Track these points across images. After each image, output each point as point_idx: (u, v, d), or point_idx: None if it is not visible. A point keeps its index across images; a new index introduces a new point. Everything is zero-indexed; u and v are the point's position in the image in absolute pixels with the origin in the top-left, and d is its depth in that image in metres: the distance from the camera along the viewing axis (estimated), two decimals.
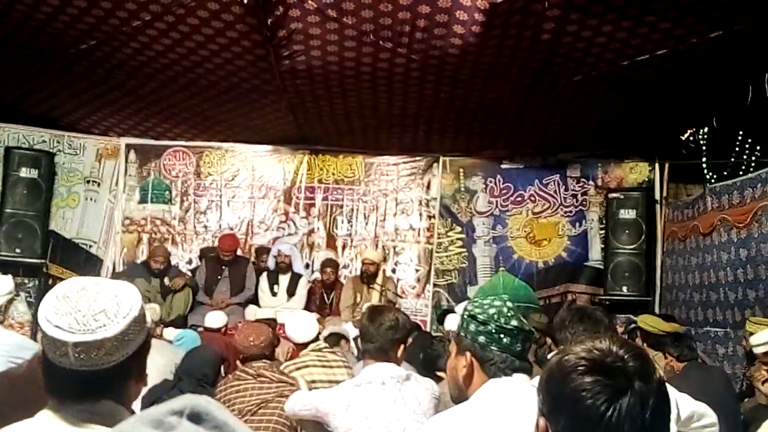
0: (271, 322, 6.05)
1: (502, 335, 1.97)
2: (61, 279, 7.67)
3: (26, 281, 7.46)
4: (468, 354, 2.01)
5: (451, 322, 6.22)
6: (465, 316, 2.05)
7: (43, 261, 7.56)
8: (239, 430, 0.59)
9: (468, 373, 2.01)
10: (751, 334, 5.25)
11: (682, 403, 2.59)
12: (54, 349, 1.39)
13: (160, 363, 4.08)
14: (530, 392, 1.82)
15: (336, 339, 5.60)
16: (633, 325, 6.18)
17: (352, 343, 5.59)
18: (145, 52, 5.98)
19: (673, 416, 2.28)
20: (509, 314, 2.00)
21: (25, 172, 7.47)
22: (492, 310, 2.01)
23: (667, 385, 2.36)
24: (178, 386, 3.69)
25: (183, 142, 8.50)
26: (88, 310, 1.39)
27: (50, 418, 1.43)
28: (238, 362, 3.96)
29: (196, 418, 0.58)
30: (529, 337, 2.04)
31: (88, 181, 8.26)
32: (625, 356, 1.17)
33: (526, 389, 1.94)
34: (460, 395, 2.06)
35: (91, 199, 8.27)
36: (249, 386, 3.43)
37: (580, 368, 1.17)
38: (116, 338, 1.39)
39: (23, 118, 7.93)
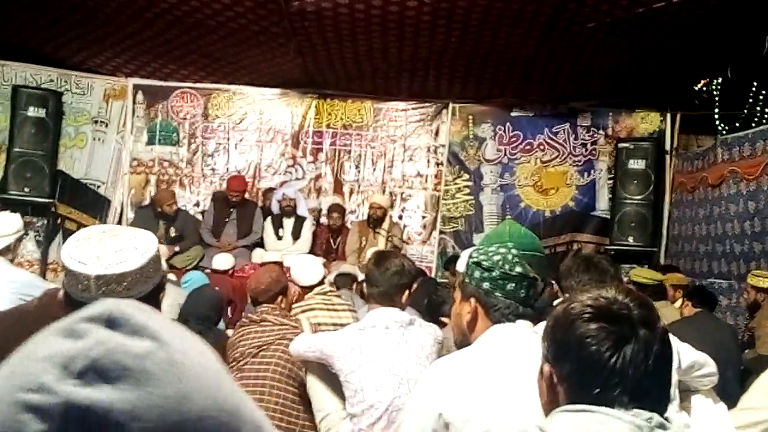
0: (278, 265, 6.10)
1: (506, 281, 1.98)
2: (70, 218, 7.76)
3: (35, 220, 7.50)
4: (472, 300, 2.03)
5: (462, 264, 6.25)
6: (469, 263, 2.06)
7: (51, 200, 7.58)
8: (163, 335, 0.53)
9: (472, 318, 2.03)
10: (753, 286, 5.30)
11: (683, 353, 2.62)
12: (77, 284, 1.46)
13: (166, 304, 4.11)
14: (533, 338, 1.86)
15: (347, 280, 5.65)
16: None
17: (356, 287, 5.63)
18: None
19: (674, 365, 2.30)
20: (514, 261, 2.01)
21: (32, 111, 7.43)
22: (497, 257, 2.01)
23: (670, 335, 2.39)
24: (185, 326, 3.74)
25: (191, 84, 8.44)
26: (110, 248, 1.49)
27: None
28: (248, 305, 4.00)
29: (112, 323, 0.52)
30: (534, 283, 2.04)
31: (96, 122, 8.24)
32: (630, 304, 1.18)
33: (529, 335, 1.95)
34: (463, 340, 2.08)
35: (98, 139, 8.26)
36: (251, 330, 3.47)
37: (585, 315, 1.18)
38: (136, 273, 1.48)
39: (30, 57, 7.86)
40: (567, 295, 2.59)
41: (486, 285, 2.00)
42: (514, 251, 2.05)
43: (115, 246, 1.49)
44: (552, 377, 1.23)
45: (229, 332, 4.06)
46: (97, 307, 0.54)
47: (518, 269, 2.00)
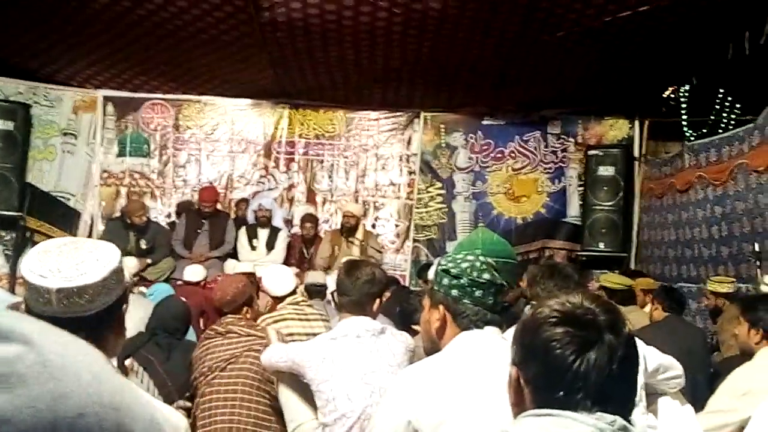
0: (250, 276, 6.07)
1: (474, 288, 2.01)
2: (39, 232, 7.66)
3: (3, 234, 7.42)
4: (441, 307, 2.04)
5: (432, 271, 6.27)
6: (438, 270, 2.08)
7: (20, 214, 7.49)
8: (34, 338, 0.53)
9: (441, 325, 2.05)
10: (712, 292, 5.40)
11: (649, 356, 2.65)
12: (38, 298, 1.44)
13: (136, 317, 4.07)
14: (501, 344, 1.92)
15: (317, 290, 5.61)
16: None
17: (329, 296, 5.61)
18: (122, 1, 5.87)
19: (640, 369, 2.33)
20: (482, 268, 2.03)
21: (0, 124, 7.36)
22: (465, 264, 2.04)
23: (636, 339, 2.42)
24: (153, 339, 3.70)
25: (161, 95, 8.40)
26: (70, 260, 1.46)
27: None
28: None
29: None
30: (501, 290, 2.07)
31: (65, 134, 8.16)
32: (597, 310, 1.20)
33: (498, 341, 1.98)
34: (432, 347, 2.10)
35: (68, 151, 8.18)
36: (217, 343, 3.44)
37: (551, 320, 1.19)
38: (98, 285, 1.46)
39: None
40: (534, 302, 2.61)
41: (454, 292, 2.02)
42: (482, 258, 2.08)
43: (76, 258, 1.47)
44: (519, 380, 1.25)
45: None
46: None
47: (486, 276, 2.02)
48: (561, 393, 1.16)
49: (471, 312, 2.01)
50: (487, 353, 1.92)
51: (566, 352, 1.15)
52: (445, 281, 2.04)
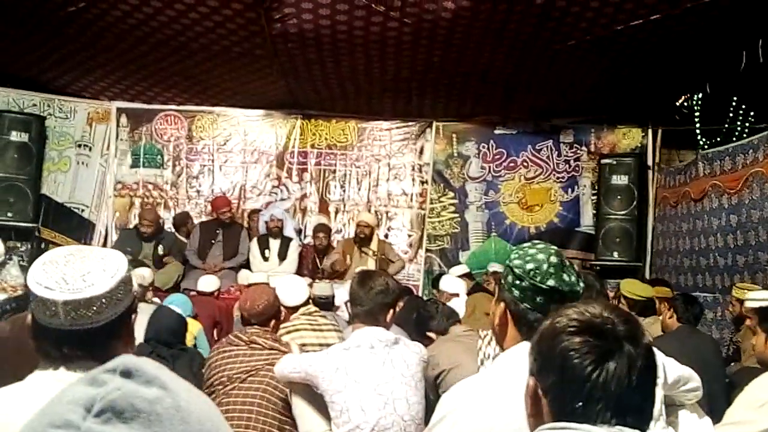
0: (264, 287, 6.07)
1: (536, 294, 1.78)
2: (54, 243, 7.70)
3: (19, 245, 7.45)
4: (502, 305, 1.86)
5: (446, 283, 6.25)
6: (507, 264, 1.89)
7: (35, 225, 7.54)
8: (171, 385, 0.64)
9: (501, 324, 1.87)
10: (738, 299, 5.30)
11: (669, 368, 2.61)
12: (44, 310, 1.41)
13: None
14: None
15: (325, 302, 5.58)
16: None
17: (343, 307, 5.59)
18: (134, 14, 5.91)
19: (660, 380, 2.28)
20: (549, 271, 1.78)
21: (15, 136, 7.41)
22: (530, 265, 1.80)
23: (655, 349, 2.38)
24: (156, 351, 3.68)
25: (174, 106, 8.44)
26: (76, 271, 1.42)
27: (40, 381, 1.45)
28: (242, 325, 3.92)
29: (127, 374, 0.64)
30: (571, 296, 1.79)
31: (80, 145, 8.22)
32: (616, 320, 1.18)
33: None
34: (497, 340, 1.95)
35: (82, 163, 8.24)
36: (240, 353, 3.42)
37: (570, 329, 1.18)
38: (105, 296, 1.42)
39: (13, 81, 7.85)
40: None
41: (516, 293, 1.82)
42: (553, 259, 1.82)
43: (83, 269, 1.43)
44: (536, 390, 1.23)
45: None
46: (115, 361, 0.65)
47: (551, 282, 1.78)
48: (580, 404, 1.14)
49: (532, 318, 1.78)
50: None
51: (585, 362, 1.14)
52: (510, 279, 1.83)
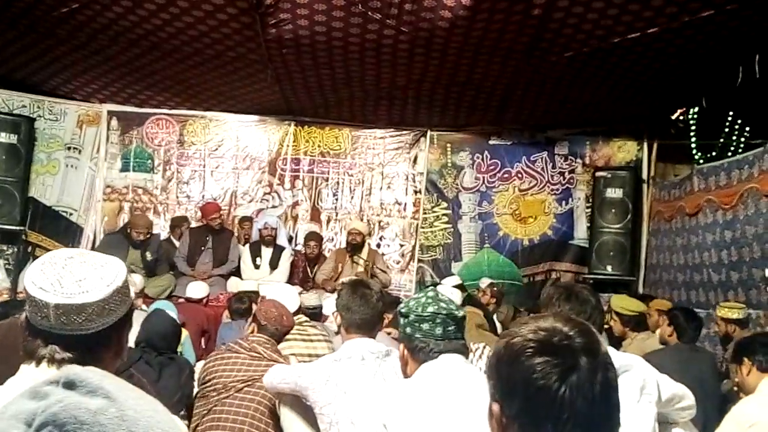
0: (253, 295, 5.99)
1: (420, 322, 2.20)
2: (41, 246, 7.61)
3: (5, 248, 7.37)
4: (401, 345, 2.28)
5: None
6: (398, 311, 2.33)
7: (22, 228, 7.46)
8: (116, 394, 0.63)
9: (404, 361, 2.27)
10: (722, 318, 5.26)
11: (663, 385, 2.56)
12: (36, 311, 1.40)
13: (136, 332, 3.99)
14: (464, 370, 2.15)
15: (313, 313, 5.52)
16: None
17: (331, 317, 5.52)
18: (127, 17, 5.85)
19: (654, 398, 2.29)
20: (428, 302, 2.22)
21: (4, 137, 7.33)
22: (412, 302, 2.25)
23: (649, 366, 2.33)
24: (144, 357, 3.60)
25: (166, 110, 8.37)
26: (73, 275, 1.42)
27: (19, 377, 1.44)
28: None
29: (70, 385, 0.63)
30: (451, 319, 2.21)
31: (69, 148, 8.14)
32: (570, 333, 1.16)
33: (459, 368, 2.14)
34: (404, 375, 2.33)
35: (71, 166, 8.15)
36: (239, 361, 3.35)
37: (528, 351, 1.15)
38: (97, 305, 1.41)
39: (2, 83, 7.78)
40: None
41: (408, 331, 2.23)
42: (430, 293, 2.30)
43: (80, 274, 1.42)
44: (502, 417, 1.18)
45: (200, 364, 3.89)
46: (59, 372, 0.65)
47: (430, 309, 2.21)
48: (550, 426, 1.11)
49: (423, 345, 2.19)
50: (448, 381, 2.08)
51: (548, 382, 1.11)
52: (401, 322, 2.26)
